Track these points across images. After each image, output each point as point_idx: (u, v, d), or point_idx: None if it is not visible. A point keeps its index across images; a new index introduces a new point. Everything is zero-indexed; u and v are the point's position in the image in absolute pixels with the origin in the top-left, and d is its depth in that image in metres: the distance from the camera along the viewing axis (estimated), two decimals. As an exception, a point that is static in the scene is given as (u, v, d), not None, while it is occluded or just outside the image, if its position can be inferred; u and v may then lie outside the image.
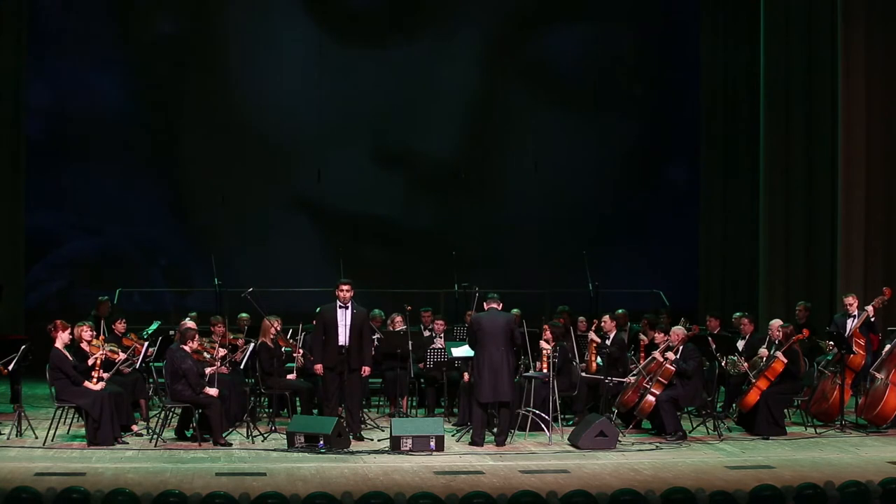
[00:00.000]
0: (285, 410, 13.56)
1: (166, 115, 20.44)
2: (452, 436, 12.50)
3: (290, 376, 13.61)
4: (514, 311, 13.54)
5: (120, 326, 14.19)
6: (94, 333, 12.59)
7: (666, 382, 12.64)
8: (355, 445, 11.92)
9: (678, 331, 12.98)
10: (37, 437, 12.08)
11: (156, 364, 13.45)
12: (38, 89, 19.59)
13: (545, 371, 12.88)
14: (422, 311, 15.19)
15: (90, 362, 11.98)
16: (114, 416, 11.81)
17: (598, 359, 14.04)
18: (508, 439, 12.27)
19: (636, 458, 11.40)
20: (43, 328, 12.33)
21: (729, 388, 13.77)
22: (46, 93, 19.74)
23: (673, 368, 12.64)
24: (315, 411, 13.45)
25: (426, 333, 14.69)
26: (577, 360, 13.58)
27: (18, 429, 12.30)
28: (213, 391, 12.03)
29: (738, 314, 14.55)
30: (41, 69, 19.63)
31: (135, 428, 12.49)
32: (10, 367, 12.92)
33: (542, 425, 12.61)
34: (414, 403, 14.47)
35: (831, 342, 13.69)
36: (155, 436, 12.01)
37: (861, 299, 14.33)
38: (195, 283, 19.65)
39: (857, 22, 17.72)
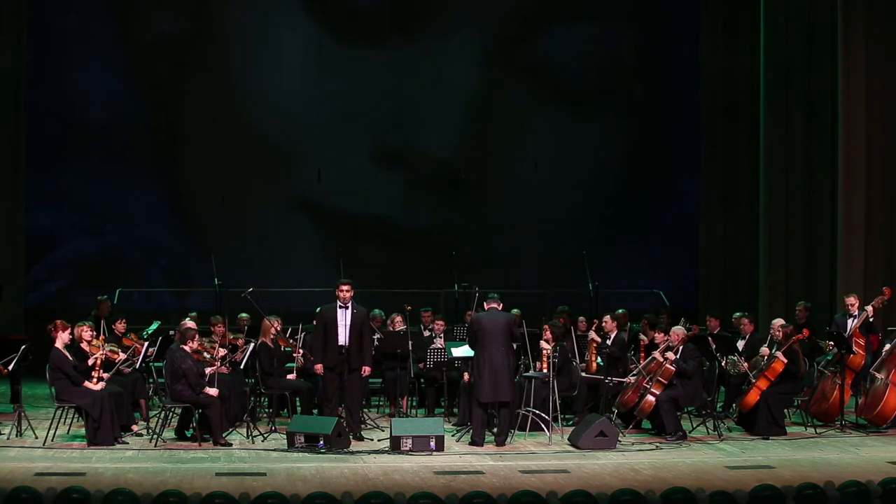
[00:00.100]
0: (285, 410, 13.56)
1: (166, 115, 20.42)
2: (452, 436, 12.50)
3: (290, 376, 13.60)
4: (514, 311, 13.52)
5: (120, 326, 14.17)
6: (94, 333, 12.59)
7: (666, 382, 12.63)
8: (355, 445, 11.91)
9: (678, 331, 12.98)
10: (37, 437, 12.07)
11: (156, 364, 13.44)
12: (38, 89, 19.54)
13: (545, 371, 12.87)
14: (422, 311, 15.19)
15: (90, 362, 11.98)
16: (114, 416, 11.81)
17: (599, 359, 14.05)
18: (508, 439, 12.27)
19: (636, 458, 11.39)
20: (43, 328, 12.33)
21: (729, 388, 13.77)
22: (46, 93, 19.68)
23: (673, 368, 12.64)
24: (315, 411, 13.44)
25: (426, 333, 14.69)
26: (578, 360, 13.58)
27: (18, 429, 12.29)
28: (213, 391, 12.03)
29: (738, 314, 14.54)
30: (41, 69, 19.59)
31: (135, 428, 12.49)
32: (10, 367, 12.91)
33: (542, 425, 12.61)
34: (414, 403, 14.47)
35: (831, 342, 13.69)
36: (155, 436, 12.01)
37: (861, 299, 14.32)
38: (195, 283, 19.60)
39: (857, 22, 17.73)
